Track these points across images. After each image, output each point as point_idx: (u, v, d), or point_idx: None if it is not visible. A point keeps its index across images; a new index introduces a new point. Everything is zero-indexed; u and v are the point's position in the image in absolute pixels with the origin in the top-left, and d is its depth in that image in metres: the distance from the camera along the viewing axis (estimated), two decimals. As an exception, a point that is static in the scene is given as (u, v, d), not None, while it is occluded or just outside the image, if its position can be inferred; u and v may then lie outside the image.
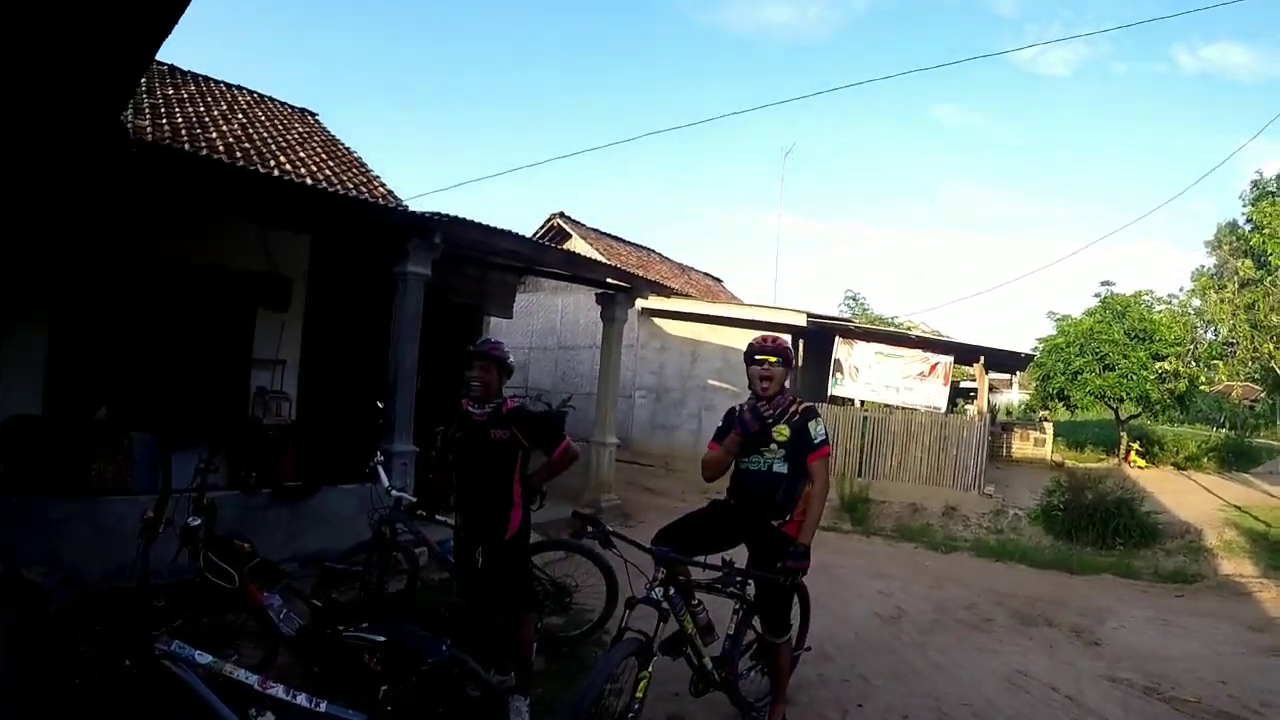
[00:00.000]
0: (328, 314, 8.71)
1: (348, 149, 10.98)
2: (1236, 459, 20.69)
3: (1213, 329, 17.02)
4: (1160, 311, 19.71)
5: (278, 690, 2.80)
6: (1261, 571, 9.49)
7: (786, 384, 4.02)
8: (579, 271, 9.66)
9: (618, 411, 16.48)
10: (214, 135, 7.97)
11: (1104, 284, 22.20)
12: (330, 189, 8.17)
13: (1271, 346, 13.82)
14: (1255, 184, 21.74)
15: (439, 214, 7.54)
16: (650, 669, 3.40)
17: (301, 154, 9.21)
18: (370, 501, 5.50)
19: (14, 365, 6.42)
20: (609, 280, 9.88)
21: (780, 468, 3.90)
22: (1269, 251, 13.96)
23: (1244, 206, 21.29)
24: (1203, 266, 28.05)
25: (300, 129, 10.73)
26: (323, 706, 2.82)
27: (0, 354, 6.32)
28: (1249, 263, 15.14)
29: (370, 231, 7.40)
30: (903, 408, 14.29)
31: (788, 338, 4.16)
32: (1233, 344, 17.10)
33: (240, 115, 9.74)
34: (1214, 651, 6.36)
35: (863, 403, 14.68)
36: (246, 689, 2.78)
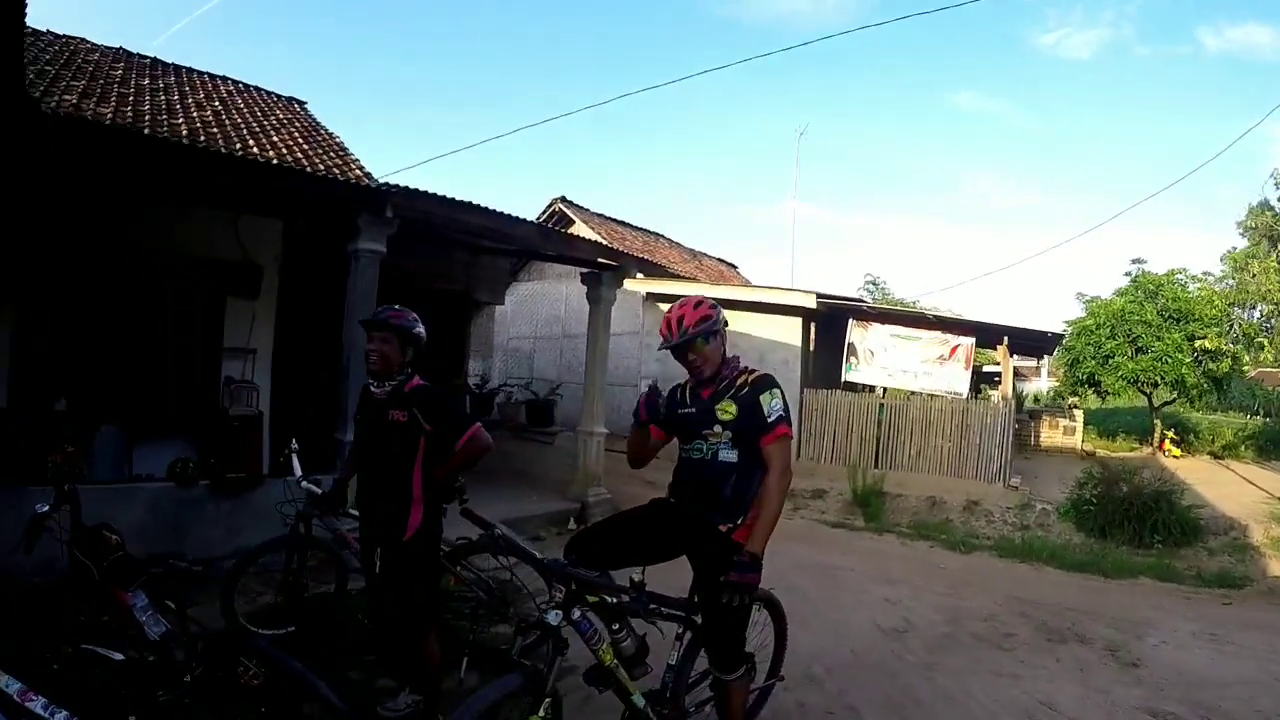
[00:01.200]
0: (301, 301, 8.48)
1: (330, 134, 10.49)
2: (1275, 447, 19.79)
3: (1255, 306, 15.91)
4: (1197, 288, 18.68)
5: (36, 704, 2.51)
6: None
7: (724, 352, 3.27)
8: (561, 250, 8.95)
9: (622, 400, 16.12)
10: (180, 121, 7.49)
11: (1135, 262, 21.34)
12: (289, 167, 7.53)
13: None
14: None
15: (391, 185, 7.04)
16: (543, 713, 2.63)
17: (275, 139, 8.71)
18: (284, 494, 5.01)
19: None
20: (598, 260, 9.10)
21: (728, 455, 3.12)
22: None
23: (1277, 185, 20.44)
24: (1234, 248, 26.92)
25: (281, 116, 10.27)
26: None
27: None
28: None
29: (340, 213, 6.95)
30: (922, 394, 13.38)
31: (712, 297, 3.48)
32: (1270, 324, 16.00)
33: (216, 103, 9.30)
34: (1270, 675, 5.46)
35: (880, 389, 13.83)
36: (7, 698, 2.49)
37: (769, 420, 3.05)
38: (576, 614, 2.79)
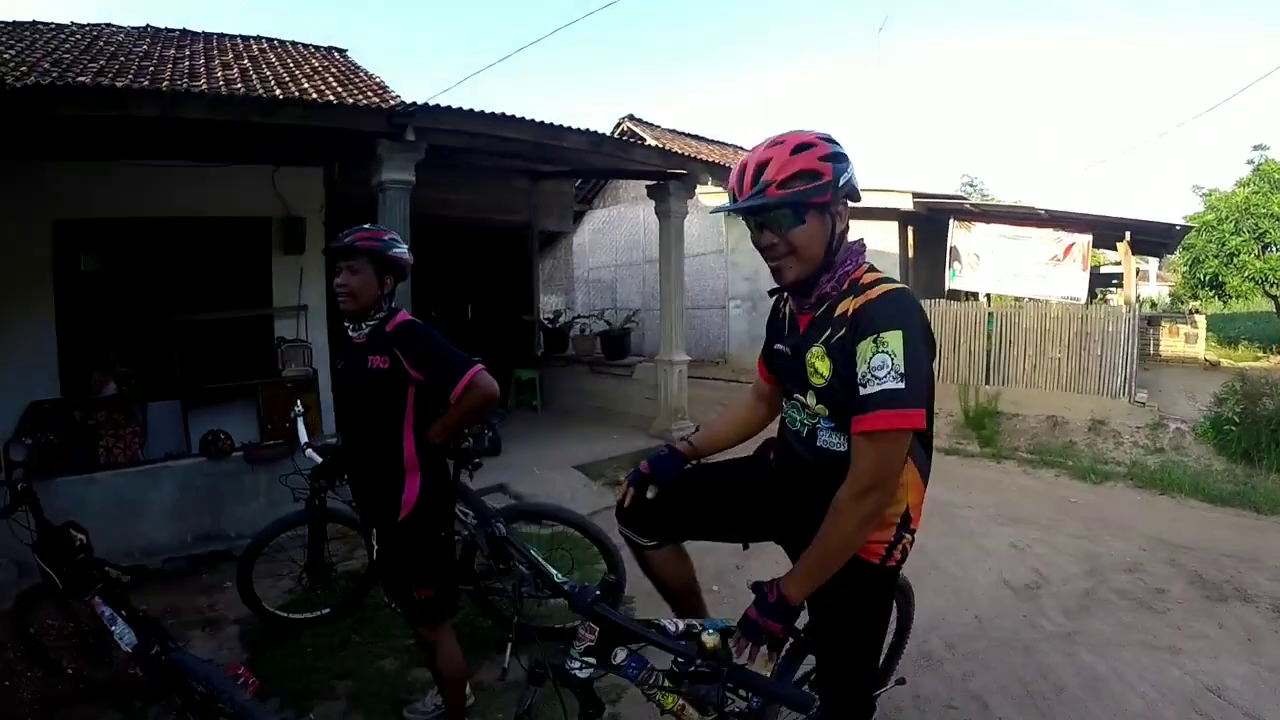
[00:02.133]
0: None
1: (371, 76, 9.89)
2: None
3: None
4: None
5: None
6: None
7: (834, 240, 1.97)
8: (618, 159, 8.05)
9: (709, 324, 15.48)
10: (201, 83, 6.95)
11: (1257, 149, 19.35)
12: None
13: None
14: None
15: (409, 103, 6.35)
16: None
17: (306, 85, 8.18)
18: (293, 463, 4.53)
19: (30, 352, 6.22)
20: (663, 169, 8.29)
21: (831, 441, 2.01)
22: None
23: None
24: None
25: (316, 64, 9.74)
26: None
27: (16, 342, 6.16)
28: None
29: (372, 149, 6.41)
30: (1034, 300, 12.16)
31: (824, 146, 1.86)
32: None
33: (245, 61, 8.81)
34: None
35: (987, 296, 12.72)
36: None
37: (864, 392, 1.79)
38: (621, 656, 2.03)
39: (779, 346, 2.18)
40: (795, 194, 1.87)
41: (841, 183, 1.91)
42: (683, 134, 16.96)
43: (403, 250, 2.97)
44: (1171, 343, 18.00)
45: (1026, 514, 6.80)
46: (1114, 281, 19.37)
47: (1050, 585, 5.13)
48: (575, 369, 9.85)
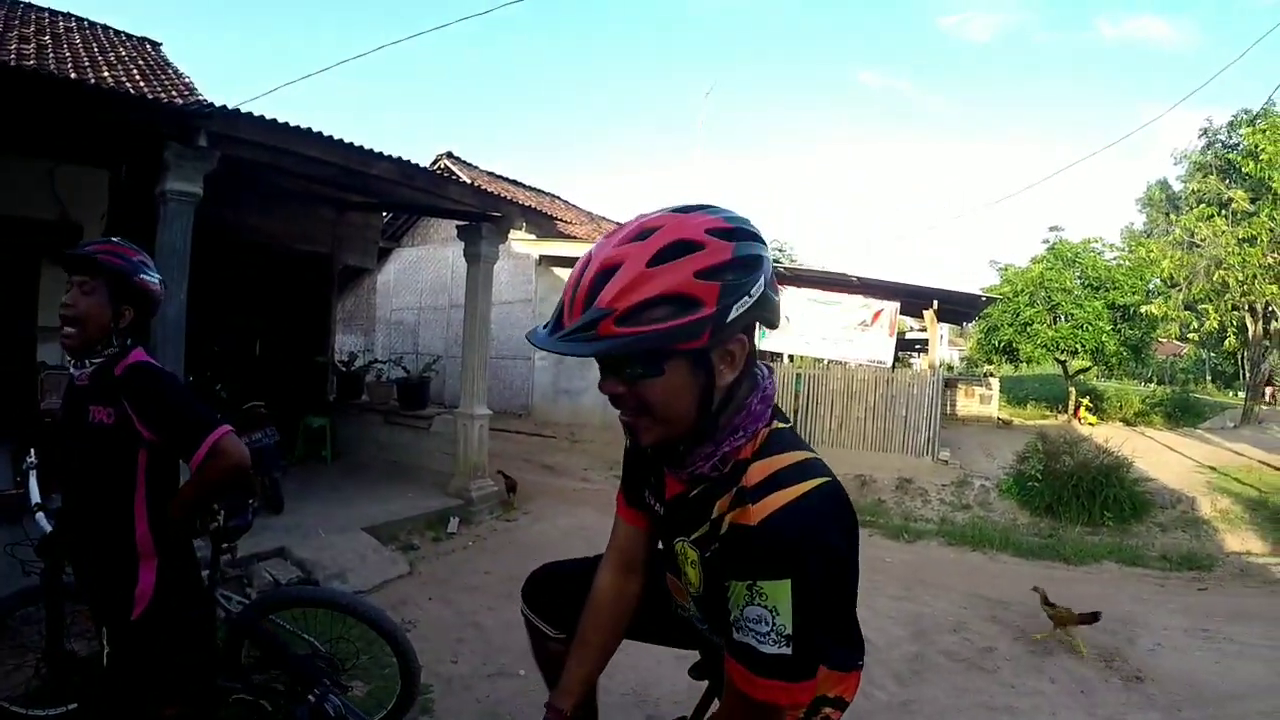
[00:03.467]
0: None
1: (180, 74, 9.17)
2: (1183, 414, 20.04)
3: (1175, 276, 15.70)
4: (1116, 257, 18.78)
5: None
6: (1271, 548, 8.13)
7: (712, 389, 1.28)
8: (430, 194, 7.31)
9: (513, 375, 14.85)
10: None
11: (1053, 230, 21.30)
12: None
13: (1275, 288, 12.20)
14: (1204, 131, 20.73)
15: (206, 104, 5.45)
16: None
17: (106, 73, 7.37)
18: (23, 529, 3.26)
19: None
20: (476, 210, 7.66)
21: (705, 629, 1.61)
22: (1272, 178, 12.24)
23: (1174, 163, 21.89)
24: (1131, 224, 27.57)
25: (124, 53, 8.99)
26: None
27: None
28: (1242, 193, 13.59)
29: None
30: (842, 363, 12.39)
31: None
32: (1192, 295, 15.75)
33: (46, 37, 7.98)
34: None
35: (790, 358, 12.82)
36: None
37: (738, 638, 1.26)
38: None
39: (648, 496, 1.59)
40: (642, 337, 1.17)
41: (733, 317, 1.20)
42: (501, 177, 16.48)
43: (153, 278, 2.22)
44: (967, 403, 19.11)
45: (844, 576, 6.44)
46: (916, 346, 20.49)
47: (878, 651, 4.70)
48: (370, 418, 8.90)
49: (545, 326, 1.26)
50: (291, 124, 5.70)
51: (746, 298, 1.20)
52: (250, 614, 2.91)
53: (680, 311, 1.16)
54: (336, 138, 6.04)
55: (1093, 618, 4.80)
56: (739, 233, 1.24)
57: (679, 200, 1.37)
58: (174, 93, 7.66)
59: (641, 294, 1.15)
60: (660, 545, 1.56)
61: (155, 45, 10.55)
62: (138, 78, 7.83)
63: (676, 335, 1.16)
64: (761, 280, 1.23)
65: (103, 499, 2.12)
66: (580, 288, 1.20)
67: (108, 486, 2.11)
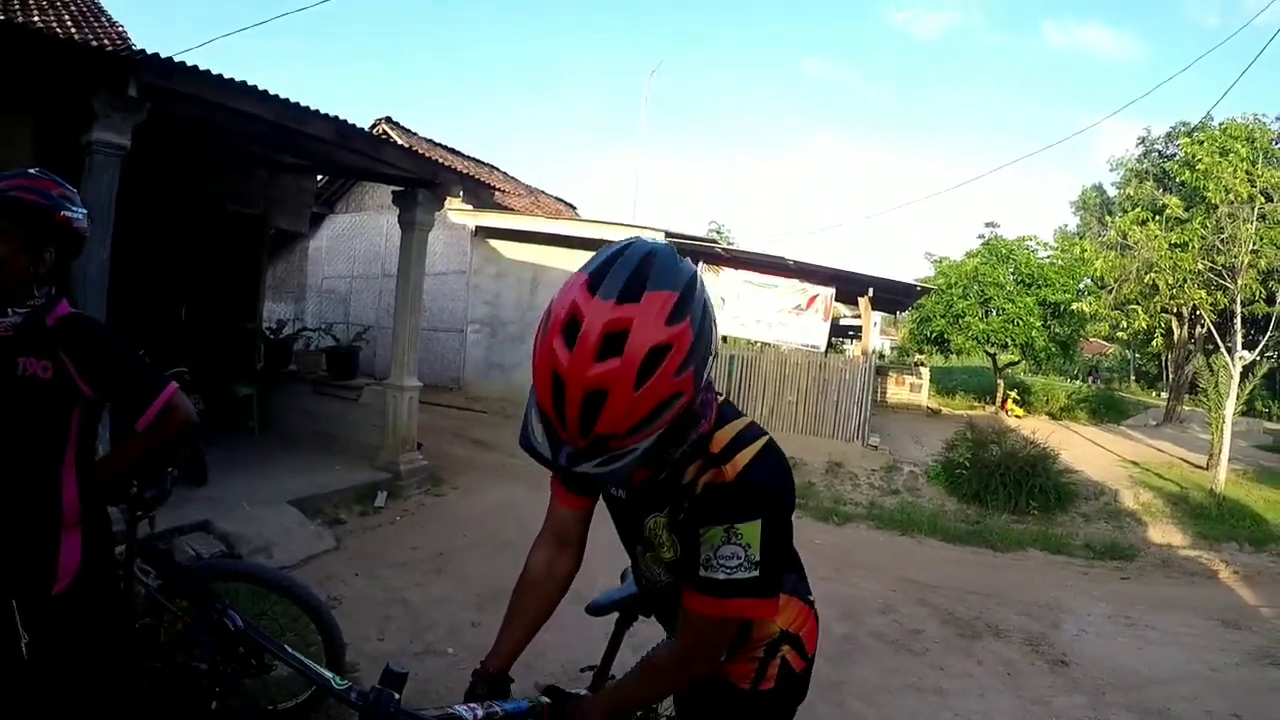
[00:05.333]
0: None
1: (114, 22, 8.89)
2: (1106, 410, 20.79)
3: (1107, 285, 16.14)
4: (1050, 255, 19.15)
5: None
6: (1191, 541, 8.35)
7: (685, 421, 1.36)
8: (365, 156, 7.06)
9: (445, 348, 14.58)
10: None
11: (988, 225, 21.48)
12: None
13: (1204, 293, 12.61)
14: (1142, 139, 21.22)
15: (137, 51, 5.15)
16: None
17: (36, 17, 7.04)
18: None
19: None
20: (412, 174, 7.40)
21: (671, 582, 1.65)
22: (1206, 188, 12.62)
23: (1110, 169, 21.91)
24: (1065, 225, 28.09)
25: None
26: None
27: None
28: (1176, 200, 13.97)
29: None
30: (775, 345, 12.36)
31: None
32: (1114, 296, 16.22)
33: None
34: (1204, 664, 4.84)
35: (728, 339, 12.80)
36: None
37: (704, 574, 1.40)
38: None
39: (613, 491, 1.65)
40: (649, 436, 1.23)
41: (708, 375, 1.31)
42: (440, 145, 15.97)
43: (74, 215, 1.93)
44: (897, 391, 19.42)
45: (775, 556, 6.42)
46: (850, 332, 20.66)
47: (808, 629, 4.69)
48: (298, 388, 8.56)
49: (538, 439, 1.29)
50: (225, 76, 5.41)
51: (712, 357, 1.28)
52: (170, 589, 2.70)
53: (671, 404, 1.22)
54: (272, 93, 5.76)
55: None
56: (686, 298, 1.24)
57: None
58: (105, 41, 7.32)
59: (638, 415, 1.20)
60: (623, 524, 1.68)
61: (89, -9, 10.12)
62: (69, 23, 7.52)
63: (673, 418, 1.24)
64: (711, 320, 1.29)
65: (26, 461, 1.89)
66: (569, 413, 1.20)
67: (33, 447, 1.89)
